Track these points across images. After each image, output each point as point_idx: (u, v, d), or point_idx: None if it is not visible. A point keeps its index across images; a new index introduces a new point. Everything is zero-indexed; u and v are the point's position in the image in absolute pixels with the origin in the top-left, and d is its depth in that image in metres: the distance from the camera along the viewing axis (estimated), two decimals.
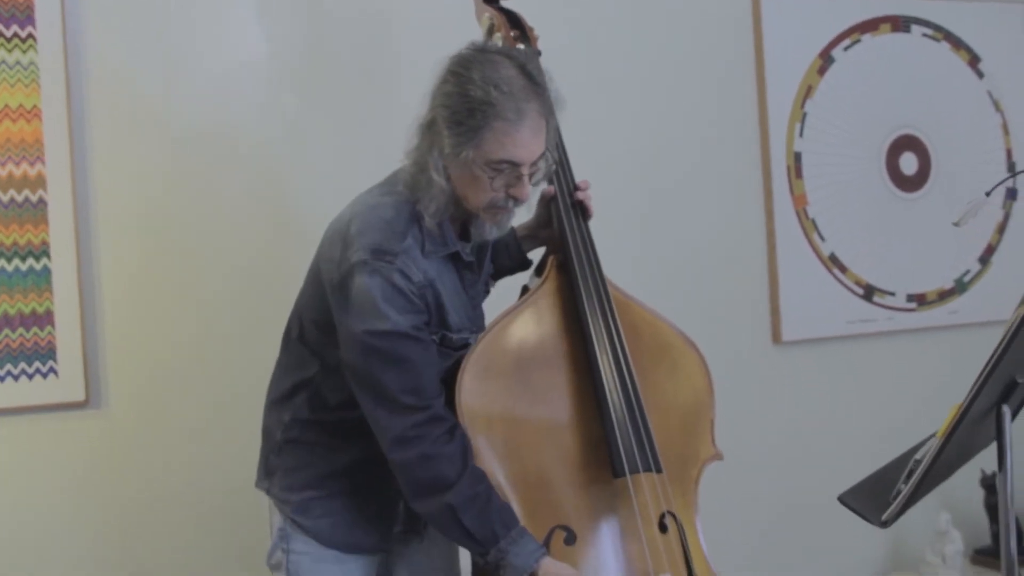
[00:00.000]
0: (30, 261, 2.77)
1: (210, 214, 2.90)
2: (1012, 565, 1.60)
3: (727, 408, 3.40)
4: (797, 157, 3.55)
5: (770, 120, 3.52)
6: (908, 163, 3.71)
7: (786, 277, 3.53)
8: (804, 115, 3.56)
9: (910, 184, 3.71)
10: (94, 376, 2.81)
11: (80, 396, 2.78)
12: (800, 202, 3.56)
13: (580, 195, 2.20)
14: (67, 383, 2.78)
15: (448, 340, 1.99)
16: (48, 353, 2.78)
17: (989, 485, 3.61)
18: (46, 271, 2.78)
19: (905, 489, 1.47)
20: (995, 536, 3.63)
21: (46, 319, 2.78)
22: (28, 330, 2.76)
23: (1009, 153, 3.84)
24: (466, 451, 1.92)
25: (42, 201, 2.77)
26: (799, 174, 3.55)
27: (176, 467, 2.86)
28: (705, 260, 3.46)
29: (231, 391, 2.88)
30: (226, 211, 2.91)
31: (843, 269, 3.61)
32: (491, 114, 1.82)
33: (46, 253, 2.78)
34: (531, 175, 1.91)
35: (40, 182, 2.77)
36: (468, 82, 1.84)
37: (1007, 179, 1.67)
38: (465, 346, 2.04)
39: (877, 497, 1.54)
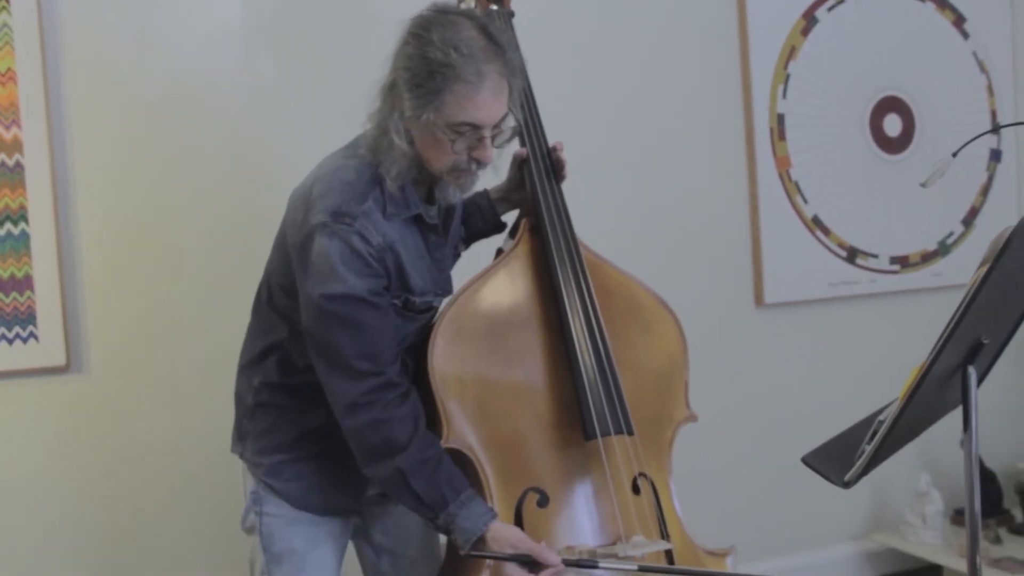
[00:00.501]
0: (8, 226, 2.75)
1: (188, 177, 2.87)
2: (976, 524, 1.60)
3: (709, 370, 3.41)
4: (780, 119, 3.52)
5: (753, 82, 3.48)
6: (892, 125, 3.68)
7: (769, 239, 3.51)
8: (787, 76, 3.53)
9: (894, 146, 3.69)
10: (74, 341, 2.80)
11: (61, 361, 2.77)
12: (783, 164, 3.53)
13: (555, 156, 2.17)
14: (47, 348, 2.77)
15: (411, 304, 1.97)
16: (28, 318, 2.76)
17: None
18: (24, 236, 2.76)
19: (868, 450, 1.46)
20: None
21: (25, 284, 2.76)
22: (7, 295, 2.75)
23: (994, 114, 3.82)
24: (418, 416, 1.92)
25: (19, 165, 2.75)
26: (782, 136, 3.53)
27: (156, 431, 2.86)
28: (687, 222, 3.44)
29: (211, 355, 2.86)
30: (204, 174, 2.89)
31: (826, 231, 3.59)
32: (451, 76, 1.79)
33: (24, 218, 2.76)
34: (494, 137, 1.88)
35: (16, 146, 2.74)
36: (428, 44, 1.81)
37: (974, 139, 1.66)
38: (429, 309, 2.02)
39: (841, 458, 1.54)
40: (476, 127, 1.84)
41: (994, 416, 3.79)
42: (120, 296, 2.83)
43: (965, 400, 1.57)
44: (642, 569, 1.94)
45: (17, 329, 2.76)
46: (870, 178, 3.66)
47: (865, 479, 3.83)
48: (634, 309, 2.20)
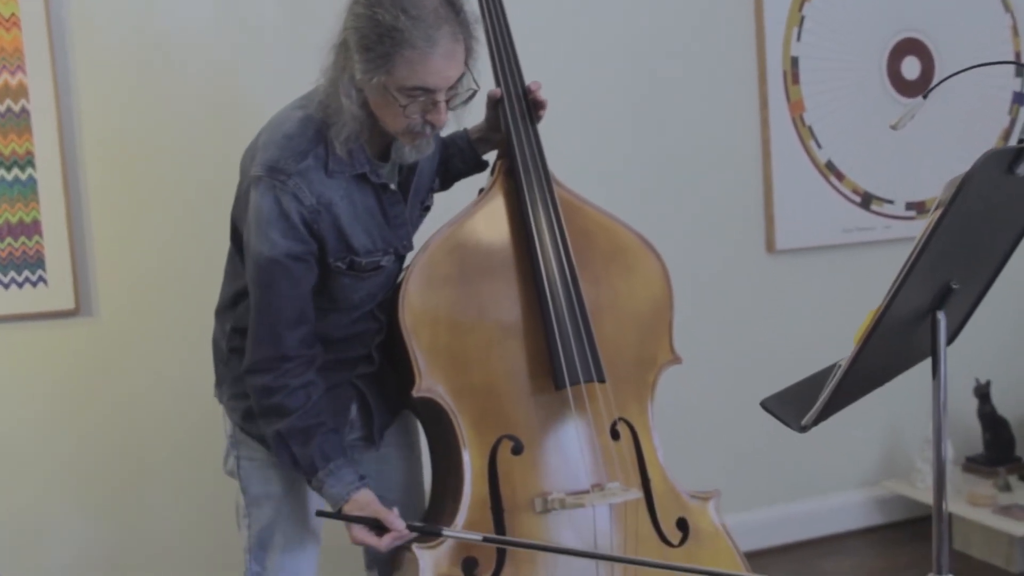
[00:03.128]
0: (15, 171, 2.72)
1: (195, 121, 2.82)
2: (942, 470, 1.51)
3: (719, 317, 3.32)
4: (794, 62, 3.37)
5: (767, 24, 3.32)
6: (910, 67, 3.50)
7: (781, 185, 3.38)
8: (802, 19, 3.36)
9: (912, 89, 3.51)
10: (83, 285, 2.77)
11: (70, 304, 2.75)
12: (797, 108, 3.38)
13: (531, 97, 2.07)
14: (56, 292, 2.75)
15: (356, 264, 1.89)
16: (37, 262, 2.74)
17: (982, 394, 3.49)
18: (32, 181, 2.73)
19: (823, 395, 1.37)
20: (987, 444, 3.52)
21: (33, 228, 2.74)
22: (16, 239, 2.73)
23: (1018, 56, 3.61)
24: (311, 389, 1.89)
25: (25, 111, 2.71)
26: (796, 80, 3.37)
27: (165, 374, 2.84)
28: (699, 167, 3.31)
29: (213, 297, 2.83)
30: (210, 117, 2.82)
31: (840, 177, 3.45)
32: (400, 40, 1.69)
33: (31, 163, 2.73)
34: (449, 100, 1.78)
35: (22, 91, 2.70)
36: (377, 5, 1.71)
37: (943, 80, 1.54)
38: (377, 268, 1.94)
39: (802, 403, 1.45)
40: (429, 91, 1.74)
41: (1007, 363, 3.65)
42: (128, 240, 2.79)
43: (933, 346, 1.46)
44: (487, 539, 1.90)
45: (26, 273, 2.74)
46: (886, 122, 3.47)
47: (876, 426, 3.76)
48: (615, 251, 2.10)
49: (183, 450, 2.85)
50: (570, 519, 1.97)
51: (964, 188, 1.21)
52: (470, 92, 1.82)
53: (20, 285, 2.74)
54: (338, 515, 1.90)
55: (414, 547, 1.93)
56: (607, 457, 2.00)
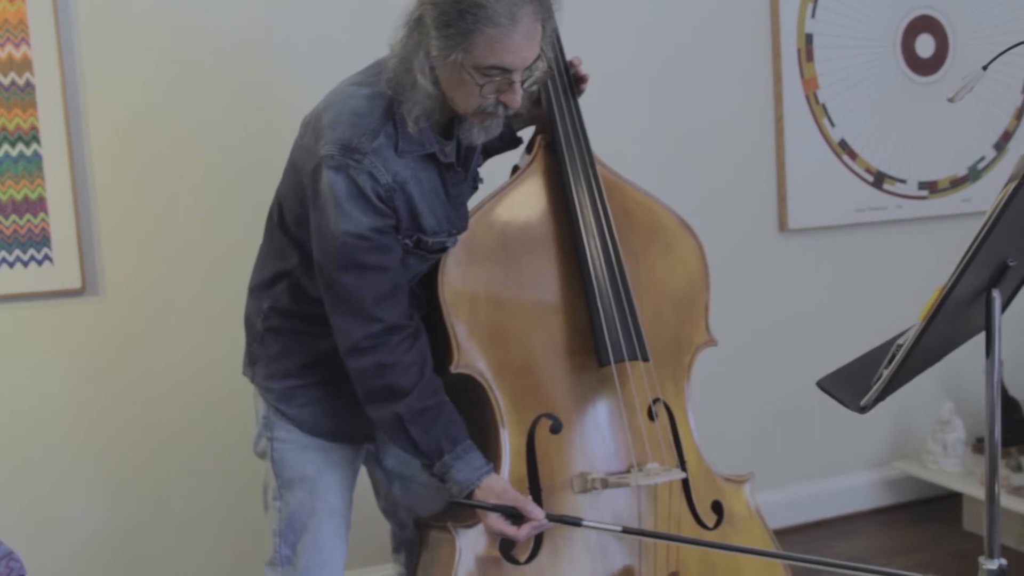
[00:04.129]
0: (20, 147, 2.72)
1: (201, 95, 2.82)
2: (995, 452, 1.56)
3: (731, 297, 3.37)
4: (808, 39, 3.41)
5: (781, 1, 3.36)
6: (924, 45, 3.56)
7: (793, 163, 3.43)
8: None
9: (926, 67, 3.57)
10: (89, 263, 2.78)
11: (76, 283, 2.76)
12: (810, 86, 3.43)
13: (573, 71, 2.10)
14: (63, 270, 2.76)
15: (423, 243, 1.91)
16: (43, 240, 2.75)
17: None
18: (37, 157, 2.73)
19: (885, 374, 1.41)
20: None
21: (39, 206, 2.74)
22: (21, 217, 2.73)
23: None
24: (424, 362, 1.88)
25: (29, 84, 2.71)
26: (810, 57, 3.42)
27: (173, 353, 2.86)
28: (712, 145, 3.36)
29: (228, 276, 2.83)
30: (217, 91, 2.84)
31: (853, 156, 3.50)
32: (482, 17, 1.69)
33: (36, 138, 2.72)
34: (523, 81, 1.79)
35: (26, 64, 2.70)
36: None
37: (1008, 50, 1.57)
38: (442, 250, 1.96)
39: (857, 382, 1.49)
40: (506, 71, 1.75)
41: (1020, 343, 3.72)
42: (135, 218, 2.80)
43: (988, 324, 1.51)
44: (626, 531, 1.93)
45: (32, 251, 2.74)
46: (900, 101, 3.55)
47: (887, 407, 3.81)
48: (654, 230, 2.15)
49: (197, 430, 2.88)
50: (609, 500, 2.02)
51: None
52: (545, 74, 1.83)
53: (26, 263, 2.74)
54: (476, 503, 1.87)
55: (451, 526, 1.96)
56: (645, 438, 2.05)
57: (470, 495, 1.88)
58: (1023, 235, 1.47)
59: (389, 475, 2.21)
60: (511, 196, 2.05)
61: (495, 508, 1.87)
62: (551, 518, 1.89)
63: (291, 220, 1.97)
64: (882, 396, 1.44)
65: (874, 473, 3.67)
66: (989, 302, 1.50)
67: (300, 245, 1.96)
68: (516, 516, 1.87)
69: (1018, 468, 3.41)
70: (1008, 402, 3.58)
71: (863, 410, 1.45)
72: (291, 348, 2.03)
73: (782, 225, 3.45)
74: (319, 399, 2.04)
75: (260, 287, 2.05)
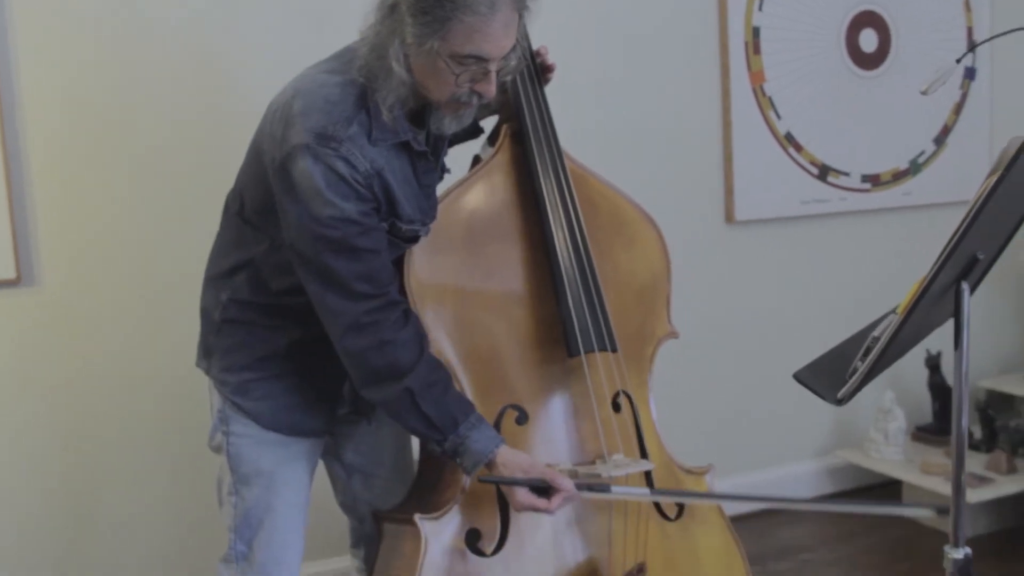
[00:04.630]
0: None
1: (140, 84, 2.76)
2: (962, 441, 1.60)
3: (679, 288, 3.36)
4: (756, 32, 3.46)
5: None
6: (868, 40, 3.64)
7: (741, 156, 3.48)
8: None
9: (869, 62, 3.64)
10: (24, 253, 2.71)
11: (11, 274, 2.68)
12: (757, 79, 3.48)
13: (539, 60, 2.10)
14: None
15: (397, 229, 1.89)
16: None
17: (933, 365, 3.66)
18: None
19: (862, 367, 1.44)
20: (936, 414, 3.71)
21: None
22: None
23: (970, 31, 3.78)
24: (422, 337, 1.87)
25: None
26: (757, 50, 3.47)
27: (114, 345, 2.80)
28: (659, 137, 3.39)
29: (169, 265, 2.79)
30: (155, 78, 2.77)
31: (798, 148, 3.56)
32: (461, 5, 1.67)
33: None
34: (499, 71, 1.78)
35: None
36: None
37: (973, 48, 1.59)
38: (415, 239, 1.95)
39: (833, 375, 1.52)
40: (483, 60, 1.74)
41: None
42: (72, 207, 2.74)
43: (957, 316, 1.55)
44: (655, 493, 1.95)
45: None
46: (844, 94, 3.62)
47: None
48: (618, 223, 2.16)
49: (142, 423, 2.82)
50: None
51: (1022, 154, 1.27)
52: (520, 64, 1.81)
53: None
54: (505, 479, 1.84)
55: (416, 518, 1.94)
56: (609, 429, 2.06)
57: (490, 465, 1.85)
58: (993, 227, 1.51)
59: (348, 469, 2.19)
60: (477, 185, 2.05)
61: (526, 483, 1.85)
62: (580, 486, 1.88)
63: (252, 209, 1.93)
64: (859, 388, 1.47)
65: (818, 462, 3.75)
66: (958, 294, 1.54)
67: (262, 234, 1.93)
68: (543, 489, 1.85)
69: None
70: (946, 391, 3.68)
71: (840, 402, 1.48)
72: (249, 341, 2.00)
73: (729, 217, 3.50)
74: (277, 393, 2.01)
75: (218, 277, 2.01)
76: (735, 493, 2.08)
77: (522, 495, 1.86)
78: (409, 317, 1.86)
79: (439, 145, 1.99)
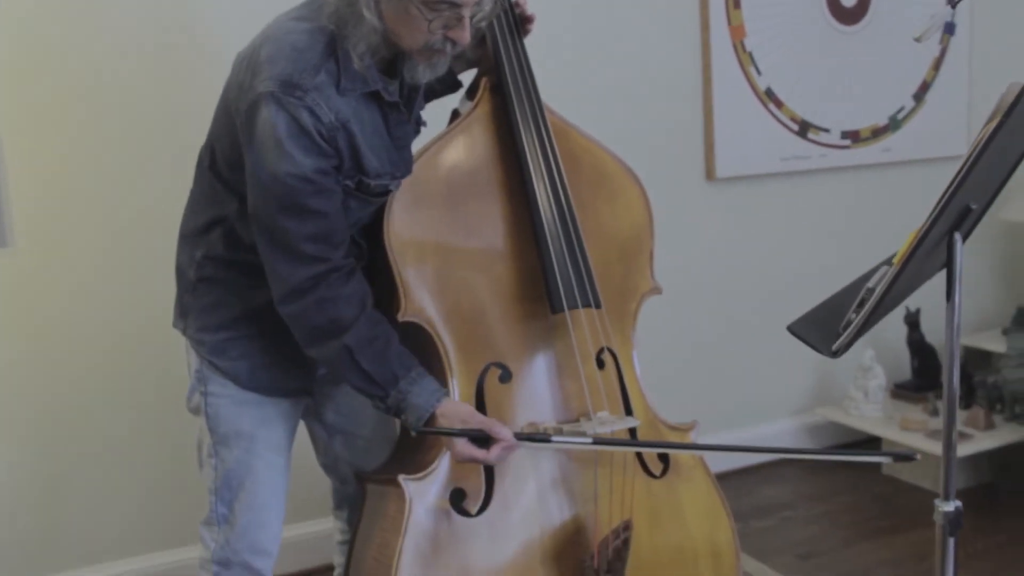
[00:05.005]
0: None
1: (111, 37, 2.68)
2: (954, 394, 1.58)
3: (659, 245, 3.35)
4: None
5: None
6: None
7: (721, 112, 3.44)
8: None
9: (849, 16, 3.61)
10: None
11: None
12: (738, 34, 3.44)
13: (518, 10, 2.05)
14: None
15: (365, 186, 1.85)
16: None
17: (912, 322, 3.66)
18: None
19: (856, 318, 1.42)
20: (915, 371, 3.72)
21: None
22: None
23: None
24: (364, 294, 1.84)
25: None
26: (737, 4, 3.42)
27: (89, 306, 2.74)
28: (639, 93, 3.34)
29: (147, 222, 2.73)
30: (128, 33, 2.69)
31: (779, 104, 3.53)
32: None
33: None
34: (473, 16, 1.74)
35: None
36: None
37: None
38: (384, 193, 1.90)
39: (826, 327, 1.50)
40: (456, 5, 1.70)
41: (936, 291, 3.83)
42: (43, 167, 2.66)
43: (950, 266, 1.53)
44: (597, 442, 1.91)
45: None
46: (824, 50, 3.59)
47: (811, 354, 3.85)
48: (600, 177, 2.12)
49: (114, 383, 2.77)
50: (559, 450, 2.00)
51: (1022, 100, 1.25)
52: (494, 10, 1.77)
53: None
54: (441, 430, 1.82)
55: (400, 479, 1.92)
56: (595, 386, 2.03)
57: (429, 422, 1.83)
58: (987, 177, 1.48)
59: (330, 430, 2.16)
60: (457, 140, 2.00)
61: (463, 433, 1.82)
62: (520, 437, 1.86)
63: (224, 163, 1.89)
64: (853, 340, 1.45)
65: (798, 419, 3.75)
66: (951, 245, 1.52)
67: (234, 190, 1.88)
68: (483, 440, 1.84)
69: (934, 412, 3.53)
70: (925, 348, 3.70)
71: (835, 355, 1.46)
72: (225, 299, 1.96)
73: (709, 174, 3.47)
74: (254, 352, 1.97)
75: (193, 235, 1.97)
76: (688, 443, 2.05)
77: (461, 445, 1.84)
78: (353, 274, 1.83)
79: (413, 96, 1.94)
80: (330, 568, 2.39)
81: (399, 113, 1.88)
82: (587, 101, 3.21)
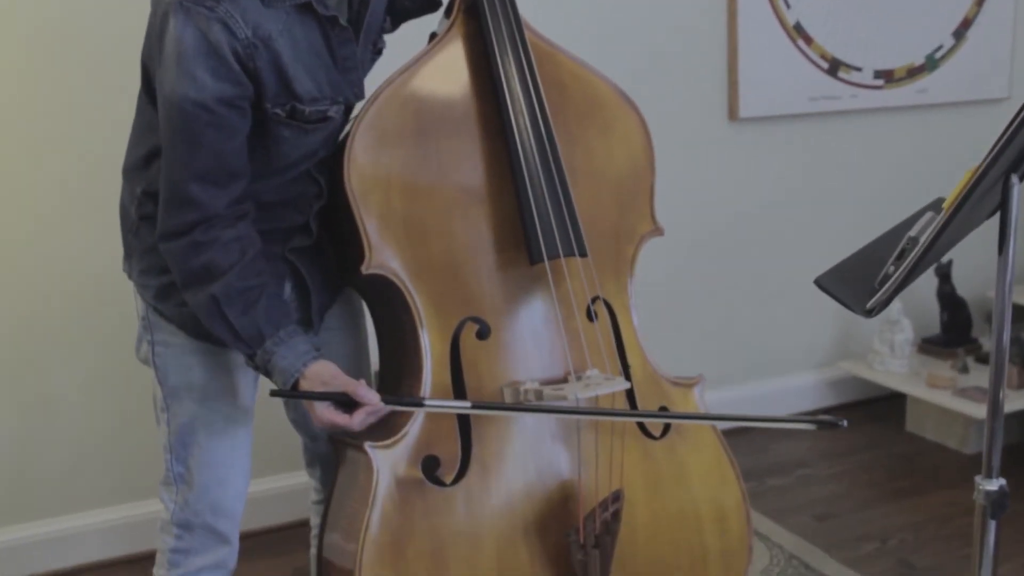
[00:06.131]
0: None
1: None
2: (1002, 359, 1.26)
3: (677, 189, 3.03)
4: None
5: None
6: None
7: (746, 48, 3.07)
8: None
9: None
10: None
11: None
12: None
13: None
14: None
15: (299, 113, 1.55)
16: None
17: (943, 274, 3.30)
18: None
19: (896, 272, 1.09)
20: (944, 325, 3.35)
21: None
22: None
23: None
24: (247, 239, 1.57)
25: None
26: None
27: (35, 246, 2.44)
28: (660, 28, 2.98)
29: (90, 156, 2.41)
30: None
31: (808, 40, 3.14)
32: None
33: None
34: None
35: None
36: None
37: None
38: (323, 120, 1.60)
39: (860, 282, 1.17)
40: None
41: (969, 242, 3.46)
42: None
43: (1004, 212, 1.19)
44: (476, 407, 1.63)
45: None
46: None
47: (833, 306, 3.50)
48: (592, 106, 1.78)
49: (64, 333, 2.49)
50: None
51: None
52: None
53: None
54: (297, 393, 1.57)
55: (366, 445, 1.64)
56: (583, 341, 1.72)
57: (296, 386, 1.57)
58: None
59: None
60: (426, 68, 1.67)
61: (323, 396, 1.56)
62: (387, 401, 1.58)
63: (153, 86, 1.59)
64: (891, 297, 1.12)
65: (819, 374, 3.41)
66: (1007, 188, 1.17)
67: None
68: (349, 404, 1.56)
69: (964, 369, 3.17)
70: (955, 302, 3.33)
71: (870, 313, 1.13)
72: None
73: (732, 114, 3.11)
74: None
75: (133, 169, 1.67)
76: (600, 409, 1.72)
77: (321, 409, 1.57)
78: (240, 221, 1.56)
79: (362, 10, 1.62)
80: (307, 523, 2.13)
81: (341, 30, 1.57)
82: (606, 36, 2.87)
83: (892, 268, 1.11)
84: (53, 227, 2.45)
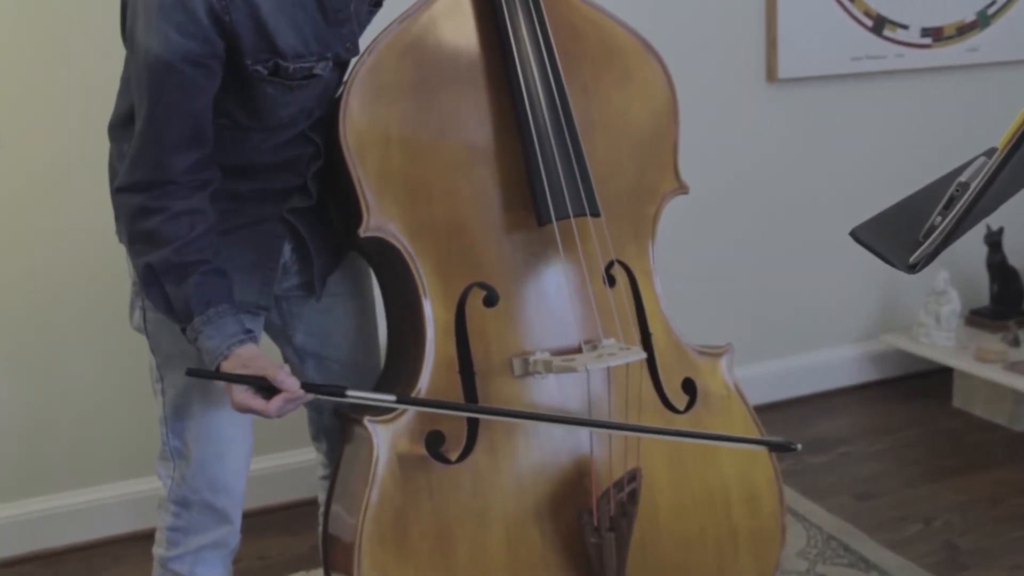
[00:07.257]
0: None
1: None
2: None
3: (711, 152, 2.87)
4: None
5: None
6: None
7: (785, 5, 2.87)
8: None
9: None
10: None
11: None
12: None
13: None
14: None
15: (282, 70, 1.43)
16: None
17: (994, 242, 3.08)
18: None
19: (943, 222, 0.93)
20: (994, 296, 3.14)
21: None
22: None
23: None
24: (198, 213, 1.44)
25: None
26: None
27: (31, 209, 2.34)
28: None
29: (85, 115, 2.29)
30: None
31: None
32: None
33: None
34: None
35: None
36: None
37: None
38: (309, 77, 1.47)
39: (902, 234, 1.00)
40: None
41: (1020, 209, 3.25)
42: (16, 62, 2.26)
43: None
44: (400, 402, 1.49)
45: None
46: None
47: (876, 276, 3.27)
48: (609, 54, 1.62)
49: (61, 300, 2.40)
50: (557, 384, 1.57)
51: None
52: None
53: None
54: (213, 374, 1.45)
55: (366, 421, 1.52)
56: (600, 308, 1.57)
57: (219, 368, 1.45)
58: None
59: (300, 353, 1.75)
60: (427, 15, 1.53)
61: (239, 379, 1.43)
62: (307, 388, 1.45)
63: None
64: (938, 251, 0.95)
65: (860, 347, 3.22)
66: None
67: None
68: (269, 389, 1.43)
69: (1015, 342, 2.97)
70: (1007, 272, 3.12)
71: (913, 269, 0.97)
72: None
73: (771, 74, 2.92)
74: None
75: (118, 126, 1.55)
76: (540, 414, 1.57)
77: (239, 394, 1.44)
78: (196, 192, 1.45)
79: None
80: (315, 501, 2.01)
81: None
82: None
83: (939, 218, 0.94)
84: (61, 199, 2.35)
